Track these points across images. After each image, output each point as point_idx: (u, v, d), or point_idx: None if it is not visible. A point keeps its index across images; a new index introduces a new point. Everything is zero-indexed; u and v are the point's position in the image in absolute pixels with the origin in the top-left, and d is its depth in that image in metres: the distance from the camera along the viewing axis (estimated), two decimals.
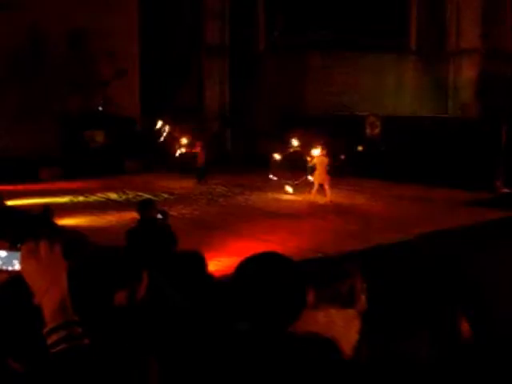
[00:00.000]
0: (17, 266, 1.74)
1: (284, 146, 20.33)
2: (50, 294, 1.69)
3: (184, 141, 22.82)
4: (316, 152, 18.10)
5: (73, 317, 1.68)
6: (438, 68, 28.78)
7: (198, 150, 21.91)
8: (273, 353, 1.92)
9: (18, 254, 1.74)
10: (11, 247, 1.77)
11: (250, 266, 2.08)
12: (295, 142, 19.83)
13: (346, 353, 1.94)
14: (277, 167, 20.29)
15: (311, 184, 18.19)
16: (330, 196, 17.68)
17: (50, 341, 1.64)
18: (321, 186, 17.82)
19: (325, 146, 18.16)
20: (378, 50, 27.41)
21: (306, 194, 18.38)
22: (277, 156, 20.23)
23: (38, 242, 1.73)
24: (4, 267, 1.75)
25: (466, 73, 27.72)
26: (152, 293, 2.83)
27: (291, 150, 20.03)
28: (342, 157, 20.93)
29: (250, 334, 1.96)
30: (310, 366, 1.89)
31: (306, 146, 18.92)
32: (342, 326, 1.94)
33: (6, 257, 1.75)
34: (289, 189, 19.49)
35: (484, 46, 27.15)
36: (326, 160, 17.87)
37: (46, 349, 1.64)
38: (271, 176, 20.30)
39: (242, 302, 2.02)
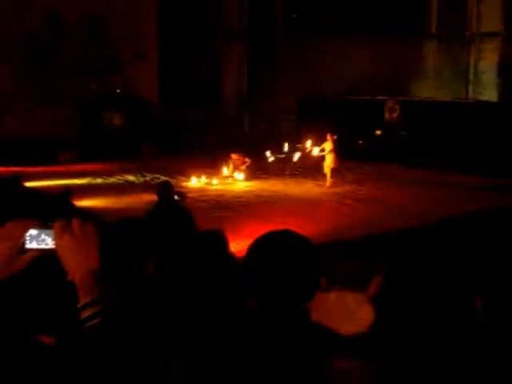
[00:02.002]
0: (48, 244, 1.75)
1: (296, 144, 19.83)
2: (83, 270, 1.72)
3: None
4: (327, 145, 17.94)
5: (106, 291, 1.71)
6: (459, 52, 28.43)
7: (234, 162, 21.40)
8: (283, 332, 1.93)
9: (49, 232, 1.75)
10: (42, 225, 1.77)
11: (263, 243, 2.07)
12: (309, 143, 19.12)
13: (349, 333, 1.92)
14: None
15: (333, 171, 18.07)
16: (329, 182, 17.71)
17: (83, 315, 1.67)
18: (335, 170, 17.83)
19: (333, 132, 18.04)
20: (397, 34, 27.13)
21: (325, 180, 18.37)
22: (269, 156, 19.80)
23: (71, 219, 1.75)
24: (35, 245, 1.75)
25: (487, 57, 27.38)
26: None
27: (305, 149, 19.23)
28: (361, 142, 20.83)
29: (261, 313, 1.96)
30: (314, 348, 1.91)
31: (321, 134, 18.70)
32: (351, 307, 1.93)
33: (36, 235, 1.76)
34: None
35: (505, 30, 26.77)
36: (331, 145, 17.74)
37: (79, 324, 1.66)
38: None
39: (255, 280, 2.03)
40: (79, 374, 1.62)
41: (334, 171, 17.83)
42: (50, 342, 1.79)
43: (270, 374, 1.87)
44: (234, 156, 19.34)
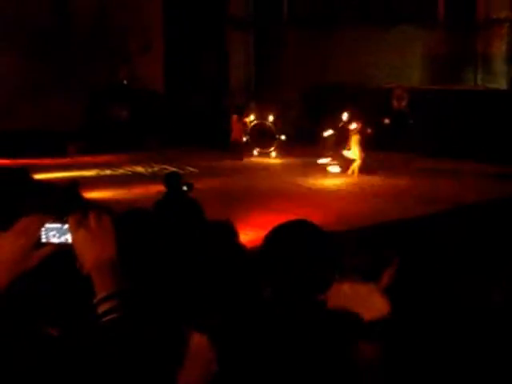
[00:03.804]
0: (63, 239, 1.74)
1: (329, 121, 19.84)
2: (99, 264, 1.70)
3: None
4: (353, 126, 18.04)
5: (123, 286, 1.68)
6: (467, 39, 28.27)
7: (233, 124, 21.78)
8: (297, 322, 1.92)
9: (64, 226, 1.74)
10: (57, 219, 1.75)
11: (280, 233, 2.06)
12: (345, 116, 19.22)
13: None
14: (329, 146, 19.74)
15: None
16: (356, 172, 17.78)
17: (100, 310, 1.65)
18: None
19: (359, 122, 18.14)
20: (404, 22, 26.99)
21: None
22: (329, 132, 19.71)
23: (86, 212, 1.73)
24: (51, 240, 1.74)
25: (496, 43, 27.21)
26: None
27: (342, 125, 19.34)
28: (369, 131, 20.75)
29: (275, 302, 1.95)
30: (335, 337, 1.88)
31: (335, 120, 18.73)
32: (365, 298, 1.92)
33: (52, 229, 1.74)
34: (334, 169, 18.88)
35: None
36: (356, 137, 17.85)
37: (96, 319, 1.64)
38: (321, 160, 19.37)
39: (272, 270, 2.00)
40: (89, 367, 1.61)
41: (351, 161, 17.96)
42: (56, 333, 1.79)
43: (294, 365, 1.85)
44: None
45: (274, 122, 22.38)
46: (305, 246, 1.99)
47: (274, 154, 21.90)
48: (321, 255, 1.99)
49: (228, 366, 1.91)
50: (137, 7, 24.39)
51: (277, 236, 2.05)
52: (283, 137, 22.33)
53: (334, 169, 18.75)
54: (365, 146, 17.95)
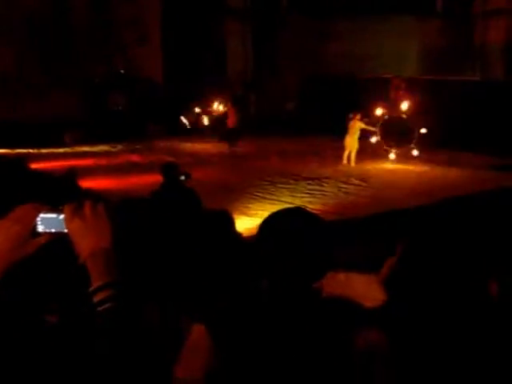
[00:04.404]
0: (59, 228, 1.75)
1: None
2: (95, 253, 1.71)
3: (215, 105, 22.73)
4: (379, 112, 18.01)
5: (119, 275, 1.70)
6: (465, 30, 28.22)
7: (228, 111, 21.92)
8: (294, 310, 1.93)
9: (60, 216, 1.75)
10: (53, 209, 1.76)
11: (275, 221, 2.05)
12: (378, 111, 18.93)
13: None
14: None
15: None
16: (353, 162, 17.76)
17: (95, 299, 1.66)
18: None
19: (357, 111, 18.10)
20: (402, 13, 26.93)
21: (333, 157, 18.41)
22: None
23: (82, 202, 1.74)
24: (47, 229, 1.75)
25: (493, 35, 27.17)
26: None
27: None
28: (366, 119, 20.76)
29: (272, 292, 1.95)
30: (330, 322, 1.90)
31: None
32: (361, 289, 1.92)
33: (48, 218, 1.76)
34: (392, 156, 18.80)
35: (511, 7, 26.53)
36: (357, 125, 17.84)
37: (92, 307, 1.66)
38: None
39: (266, 258, 2.00)
40: (86, 355, 1.62)
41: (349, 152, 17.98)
42: (54, 320, 1.80)
43: (293, 354, 1.86)
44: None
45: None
46: (298, 233, 1.99)
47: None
48: (315, 242, 1.99)
49: (226, 356, 1.92)
50: None
51: (270, 223, 2.05)
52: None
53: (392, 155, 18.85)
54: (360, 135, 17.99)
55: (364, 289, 1.92)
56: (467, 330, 2.65)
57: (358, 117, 18.00)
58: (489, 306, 3.00)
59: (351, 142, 17.83)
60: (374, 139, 18.89)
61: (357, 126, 17.89)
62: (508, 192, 13.00)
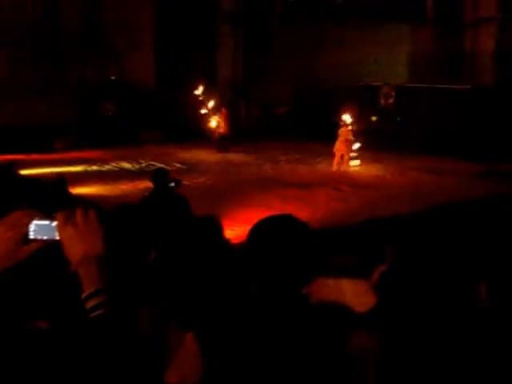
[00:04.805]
0: (51, 235, 1.76)
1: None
2: (87, 260, 1.72)
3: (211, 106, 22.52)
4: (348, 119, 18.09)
5: (110, 281, 1.71)
6: (455, 37, 28.39)
7: (222, 117, 21.94)
8: (284, 315, 1.94)
9: (52, 223, 1.76)
10: (45, 216, 1.77)
11: (264, 227, 2.07)
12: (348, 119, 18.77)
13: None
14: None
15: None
16: (346, 167, 17.82)
17: (88, 306, 1.67)
18: (341, 156, 17.99)
19: (348, 118, 18.19)
20: (393, 20, 27.05)
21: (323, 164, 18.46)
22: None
23: (74, 209, 1.75)
24: (39, 236, 1.76)
25: (483, 42, 27.35)
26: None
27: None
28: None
29: (262, 296, 1.97)
30: (321, 328, 1.91)
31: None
32: (350, 294, 1.94)
33: (40, 225, 1.76)
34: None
35: (501, 15, 26.72)
36: (346, 131, 17.89)
37: (84, 314, 1.67)
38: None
39: (255, 263, 2.02)
40: (76, 361, 1.63)
41: (340, 157, 18.01)
42: (45, 326, 1.80)
43: (284, 359, 1.88)
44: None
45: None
46: (286, 239, 2.01)
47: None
48: (302, 248, 2.01)
49: (216, 362, 1.92)
50: (127, 3, 24.31)
51: (259, 230, 2.08)
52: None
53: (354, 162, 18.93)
54: (349, 142, 18.05)
55: (354, 294, 1.93)
56: (456, 333, 2.68)
57: (349, 123, 18.07)
58: (478, 309, 3.03)
59: (341, 147, 17.89)
60: (356, 146, 18.90)
61: (346, 132, 17.97)
62: (497, 198, 13.07)
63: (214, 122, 22.11)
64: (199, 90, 23.24)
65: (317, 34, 27.15)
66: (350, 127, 18.06)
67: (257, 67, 28.07)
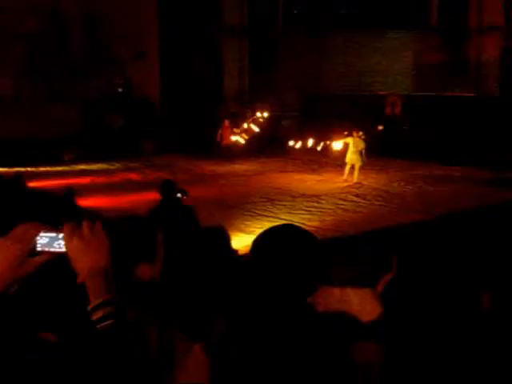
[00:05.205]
0: (58, 247, 1.77)
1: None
2: (93, 272, 1.74)
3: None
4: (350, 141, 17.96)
5: (117, 293, 1.73)
6: (460, 46, 28.40)
7: (223, 128, 22.04)
8: (290, 325, 1.94)
9: (59, 235, 1.77)
10: (52, 228, 1.78)
11: (268, 237, 2.08)
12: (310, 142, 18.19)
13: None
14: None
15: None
16: (356, 178, 17.73)
17: (95, 317, 1.69)
18: (352, 166, 17.91)
19: (359, 129, 18.09)
20: (398, 28, 27.11)
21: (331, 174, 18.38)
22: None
23: (80, 221, 1.77)
24: (46, 248, 1.77)
25: (488, 50, 27.34)
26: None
27: None
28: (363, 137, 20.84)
29: (270, 307, 1.97)
30: (329, 338, 1.92)
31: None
32: (356, 303, 1.95)
33: (47, 238, 1.77)
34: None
35: (506, 23, 26.71)
36: (358, 142, 17.83)
37: (91, 325, 1.68)
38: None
39: (259, 274, 2.03)
40: (84, 373, 1.64)
41: (351, 167, 17.94)
42: (53, 339, 1.81)
43: (293, 369, 1.88)
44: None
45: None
46: (290, 249, 2.01)
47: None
48: (306, 257, 2.01)
49: (224, 373, 1.93)
50: (132, 15, 24.40)
51: (262, 240, 2.09)
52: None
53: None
54: (360, 153, 17.99)
55: (360, 303, 1.93)
56: (461, 341, 2.68)
57: (359, 134, 17.99)
58: (481, 318, 3.03)
59: (352, 158, 17.82)
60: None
61: (358, 142, 17.88)
62: (502, 207, 13.04)
63: (234, 138, 21.87)
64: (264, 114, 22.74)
65: (322, 45, 27.22)
66: (362, 137, 17.98)
67: (262, 78, 28.12)
